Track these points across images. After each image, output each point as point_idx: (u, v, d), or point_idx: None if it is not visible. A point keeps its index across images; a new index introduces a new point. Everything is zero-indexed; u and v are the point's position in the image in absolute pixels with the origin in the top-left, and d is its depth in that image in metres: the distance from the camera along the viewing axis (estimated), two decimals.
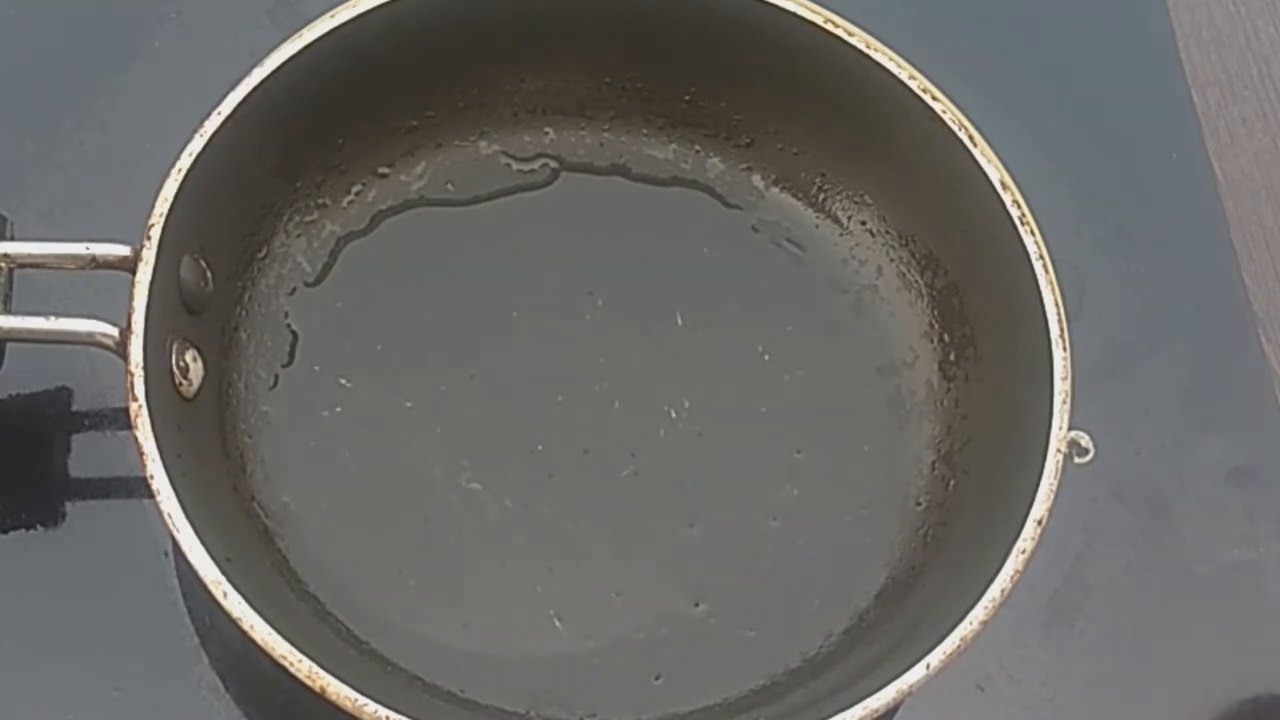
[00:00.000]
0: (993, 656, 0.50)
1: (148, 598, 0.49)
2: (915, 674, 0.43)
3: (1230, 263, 0.58)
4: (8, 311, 0.47)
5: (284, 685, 0.42)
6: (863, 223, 0.55)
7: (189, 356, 0.48)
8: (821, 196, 0.55)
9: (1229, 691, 0.51)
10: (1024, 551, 0.45)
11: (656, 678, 0.48)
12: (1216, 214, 0.59)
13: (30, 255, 0.47)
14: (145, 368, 0.45)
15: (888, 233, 0.54)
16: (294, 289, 0.53)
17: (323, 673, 0.42)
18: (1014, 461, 0.47)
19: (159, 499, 0.43)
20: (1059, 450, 0.46)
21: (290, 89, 0.50)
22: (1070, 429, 0.46)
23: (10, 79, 0.57)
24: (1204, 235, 0.59)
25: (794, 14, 0.51)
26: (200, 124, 0.48)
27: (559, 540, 0.50)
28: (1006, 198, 0.49)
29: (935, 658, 0.43)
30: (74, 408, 0.52)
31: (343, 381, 0.52)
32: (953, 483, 0.51)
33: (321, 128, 0.53)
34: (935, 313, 0.53)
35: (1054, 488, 0.45)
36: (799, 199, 0.55)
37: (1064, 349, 0.47)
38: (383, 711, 0.42)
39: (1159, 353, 0.56)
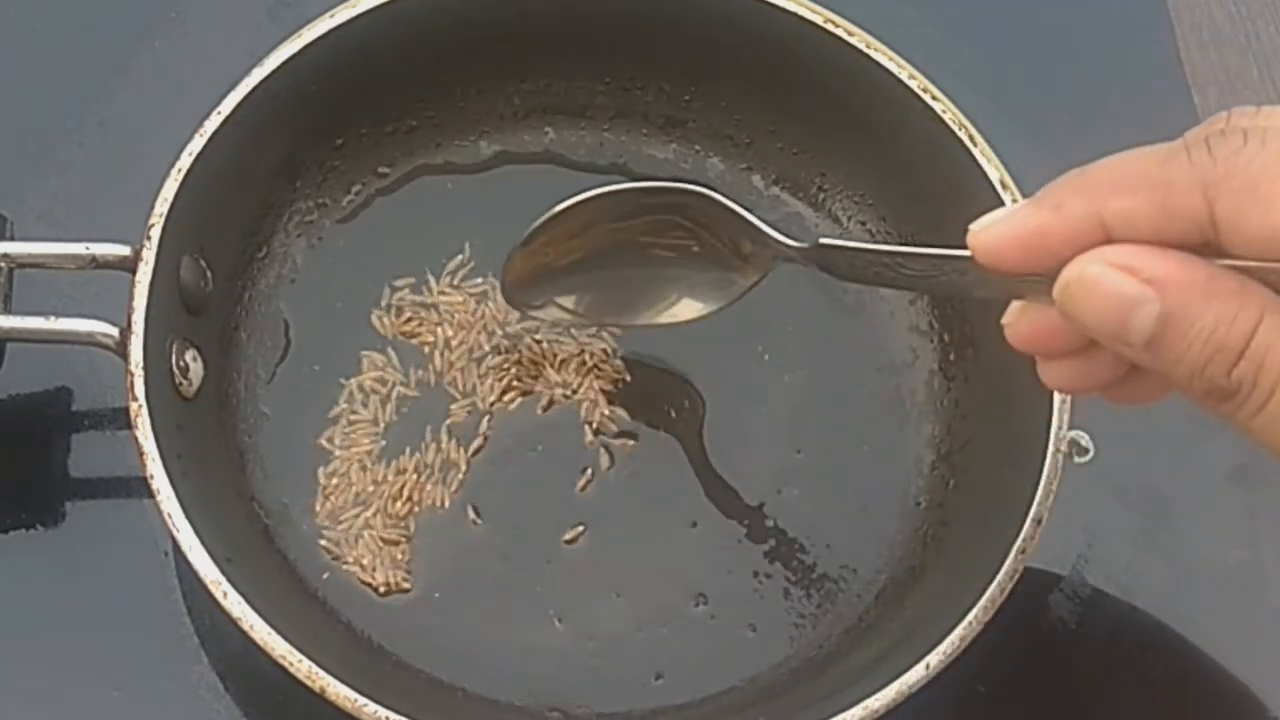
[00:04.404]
0: (993, 656, 0.50)
1: (148, 598, 0.49)
2: (915, 674, 0.43)
3: None
4: (8, 311, 0.47)
5: (284, 685, 0.42)
6: (863, 223, 0.55)
7: (189, 356, 0.48)
8: (821, 196, 0.55)
9: (1229, 691, 0.51)
10: (1024, 551, 0.45)
11: (657, 677, 0.48)
12: None
13: (30, 255, 0.47)
14: (145, 368, 0.45)
15: (888, 233, 0.54)
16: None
17: (323, 673, 0.42)
18: (1014, 461, 0.47)
19: (159, 499, 0.43)
20: (1059, 450, 0.46)
21: (290, 89, 0.50)
22: (1070, 429, 0.46)
23: (10, 79, 0.57)
24: None
25: (794, 14, 0.51)
26: (200, 124, 0.48)
27: (559, 540, 0.50)
28: (1006, 197, 0.49)
29: (935, 658, 0.43)
30: (74, 408, 0.52)
31: (342, 381, 0.52)
32: (953, 483, 0.51)
33: (321, 128, 0.53)
34: (935, 313, 0.53)
35: (1054, 488, 0.45)
36: (799, 199, 0.55)
37: None
38: (382, 712, 0.42)
39: None
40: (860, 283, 0.42)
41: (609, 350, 0.52)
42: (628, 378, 0.52)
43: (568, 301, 0.51)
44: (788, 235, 0.44)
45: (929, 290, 0.39)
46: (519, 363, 0.52)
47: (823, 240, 0.42)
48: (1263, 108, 0.33)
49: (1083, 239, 0.33)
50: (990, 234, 0.35)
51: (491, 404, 0.51)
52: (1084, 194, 0.33)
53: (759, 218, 0.55)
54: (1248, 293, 0.32)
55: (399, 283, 0.53)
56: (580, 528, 0.50)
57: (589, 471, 0.51)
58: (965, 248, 0.36)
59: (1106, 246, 0.33)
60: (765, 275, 0.47)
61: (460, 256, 0.53)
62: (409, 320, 0.52)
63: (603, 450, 0.51)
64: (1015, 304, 0.37)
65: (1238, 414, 0.33)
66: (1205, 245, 0.32)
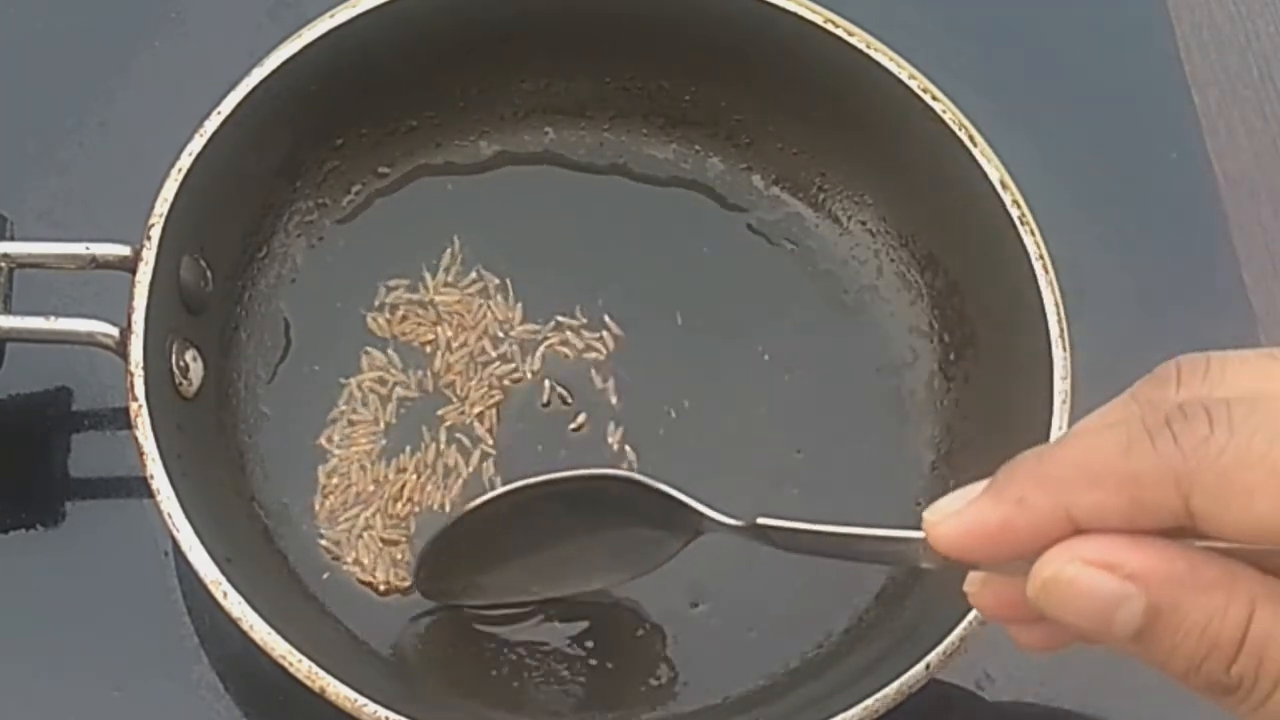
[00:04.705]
0: (993, 656, 0.50)
1: (148, 598, 0.49)
2: (915, 674, 0.43)
3: (1230, 263, 0.58)
4: (8, 311, 0.47)
5: (284, 685, 0.42)
6: (863, 223, 0.55)
7: (189, 356, 0.48)
8: (821, 196, 0.55)
9: None
10: None
11: (657, 677, 0.48)
12: (1216, 214, 0.59)
13: (30, 255, 0.47)
14: (145, 368, 0.45)
15: (888, 233, 0.54)
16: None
17: (323, 673, 0.42)
18: None
19: (159, 499, 0.43)
20: None
21: (290, 89, 0.50)
22: (1070, 429, 0.46)
23: (10, 79, 0.57)
24: (1204, 235, 0.59)
25: (794, 14, 0.51)
26: (200, 124, 0.48)
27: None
28: (1006, 198, 0.49)
29: (935, 658, 0.43)
30: (74, 408, 0.52)
31: (342, 381, 0.52)
32: (953, 483, 0.51)
33: (321, 128, 0.53)
34: (935, 313, 0.53)
35: None
36: (799, 199, 0.55)
37: (1064, 349, 0.47)
38: (382, 712, 0.42)
39: (1159, 352, 0.56)
40: (804, 554, 0.40)
41: (610, 352, 0.52)
42: (628, 379, 0.52)
43: (489, 587, 0.48)
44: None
45: (878, 563, 0.37)
46: (519, 369, 0.52)
47: (760, 520, 0.41)
48: (1211, 361, 0.32)
49: (1049, 533, 0.32)
50: (949, 527, 0.33)
51: (479, 413, 0.51)
52: (1047, 488, 0.32)
53: (758, 218, 0.55)
54: (1235, 581, 0.30)
55: (393, 282, 0.53)
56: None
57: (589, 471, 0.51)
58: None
59: (1079, 541, 0.31)
60: (697, 537, 0.45)
61: (450, 251, 0.53)
62: (404, 319, 0.52)
63: (603, 451, 0.51)
64: (975, 575, 0.36)
65: (1239, 708, 0.31)
66: (1180, 530, 0.31)
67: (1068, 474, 0.31)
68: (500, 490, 0.46)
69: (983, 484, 0.33)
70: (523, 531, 0.46)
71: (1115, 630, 0.31)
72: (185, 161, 0.47)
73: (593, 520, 0.45)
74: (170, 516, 0.43)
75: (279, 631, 0.42)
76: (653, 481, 0.44)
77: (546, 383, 0.52)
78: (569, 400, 0.52)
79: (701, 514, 0.43)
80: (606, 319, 0.53)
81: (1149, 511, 0.30)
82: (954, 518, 0.33)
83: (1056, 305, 0.47)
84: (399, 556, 0.49)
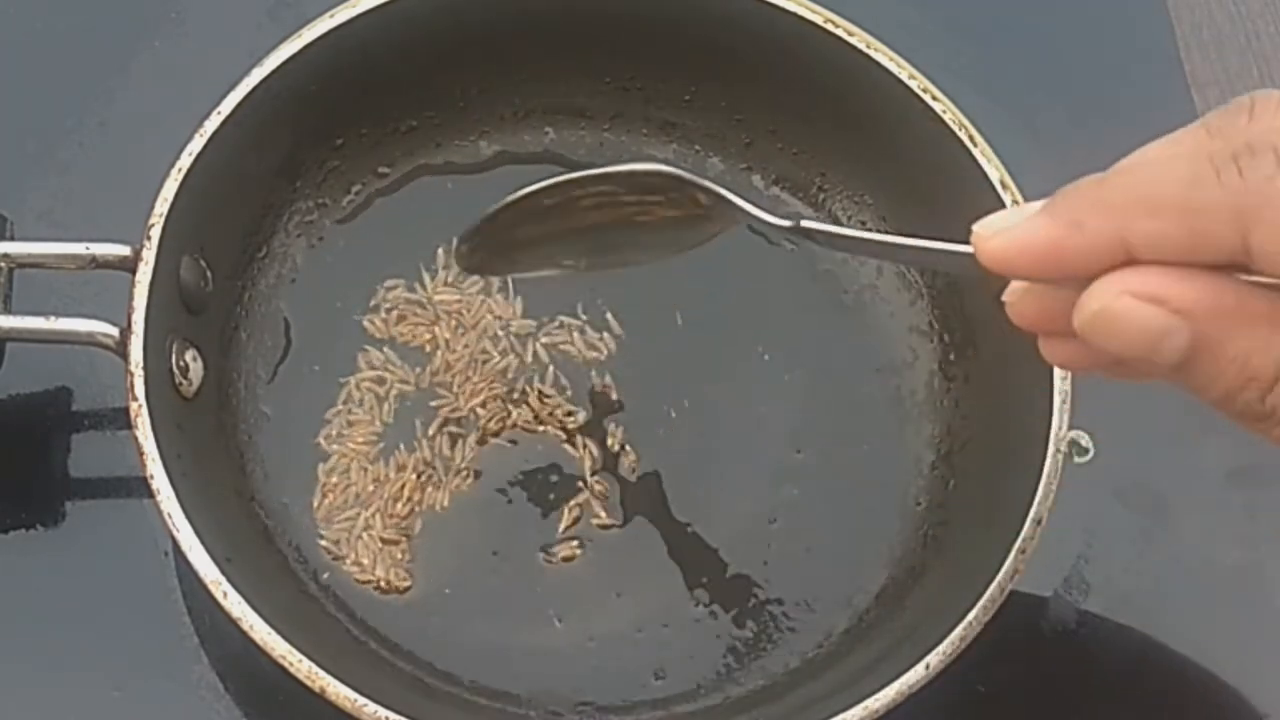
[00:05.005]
0: (993, 656, 0.50)
1: (148, 598, 0.49)
2: (915, 674, 0.43)
3: None
4: (8, 311, 0.47)
5: (284, 685, 0.42)
6: (863, 223, 0.55)
7: (189, 356, 0.48)
8: (821, 196, 0.55)
9: (1228, 692, 0.51)
10: (1024, 551, 0.45)
11: (657, 676, 0.48)
12: None
13: (30, 255, 0.47)
14: (145, 368, 0.45)
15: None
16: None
17: (323, 673, 0.42)
18: (1014, 461, 0.47)
19: (159, 499, 0.43)
20: (1059, 450, 0.46)
21: (290, 89, 0.50)
22: (1070, 429, 0.46)
23: (10, 79, 0.57)
24: None
25: (794, 14, 0.51)
26: (200, 124, 0.48)
27: (558, 540, 0.50)
28: (1006, 198, 0.49)
29: (935, 658, 0.43)
30: (74, 408, 0.52)
31: (342, 380, 0.52)
32: (953, 483, 0.51)
33: (321, 128, 0.53)
34: (935, 313, 0.53)
35: (1054, 488, 0.45)
36: (799, 199, 0.55)
37: None
38: (382, 712, 0.42)
39: None
40: (844, 252, 0.40)
41: (610, 352, 0.52)
42: (628, 379, 0.52)
43: (525, 264, 0.48)
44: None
45: (916, 265, 0.37)
46: (520, 366, 0.52)
47: (804, 223, 0.39)
48: None
49: (1102, 259, 0.31)
50: (1000, 242, 0.33)
51: (480, 412, 0.51)
52: (1106, 213, 0.31)
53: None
54: (1279, 316, 0.31)
55: (392, 282, 0.53)
56: (580, 528, 0.50)
57: (589, 472, 0.51)
58: (964, 242, 0.34)
59: (1128, 272, 0.31)
60: (731, 226, 0.44)
61: (443, 249, 0.53)
62: (403, 319, 0.52)
63: (603, 451, 0.51)
64: (1017, 284, 0.36)
65: (1273, 432, 0.32)
66: (1232, 264, 0.31)
67: (1129, 202, 0.31)
68: (542, 184, 0.44)
69: (1039, 203, 0.33)
70: (563, 219, 0.45)
71: (1159, 361, 0.31)
72: (185, 161, 0.47)
73: (635, 209, 0.44)
74: (170, 516, 0.43)
75: (279, 631, 0.42)
76: (702, 180, 0.42)
77: (548, 376, 0.52)
78: (570, 398, 0.52)
79: (749, 213, 0.42)
80: (608, 317, 0.53)
81: (1206, 245, 0.30)
82: (1005, 234, 0.33)
83: None
84: (399, 556, 0.49)
